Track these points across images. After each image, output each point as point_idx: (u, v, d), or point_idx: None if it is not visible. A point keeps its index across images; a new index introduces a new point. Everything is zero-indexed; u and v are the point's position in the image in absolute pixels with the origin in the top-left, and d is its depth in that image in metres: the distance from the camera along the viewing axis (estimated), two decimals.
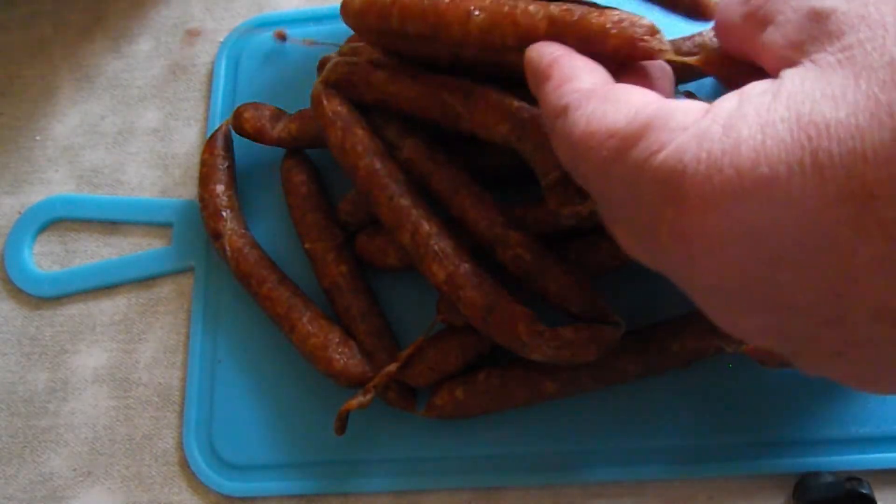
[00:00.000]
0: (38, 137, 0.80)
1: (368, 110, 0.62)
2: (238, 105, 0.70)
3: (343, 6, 0.60)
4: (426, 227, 0.57)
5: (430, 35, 0.54)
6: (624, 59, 0.47)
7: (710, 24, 0.60)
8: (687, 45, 0.61)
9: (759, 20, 0.39)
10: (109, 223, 0.75)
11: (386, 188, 0.58)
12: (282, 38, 0.77)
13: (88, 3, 0.85)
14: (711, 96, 0.61)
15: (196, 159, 0.76)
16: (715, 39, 0.47)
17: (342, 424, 0.59)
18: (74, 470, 0.66)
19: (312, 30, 0.78)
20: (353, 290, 0.64)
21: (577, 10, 0.48)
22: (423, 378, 0.60)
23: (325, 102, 0.61)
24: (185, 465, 0.65)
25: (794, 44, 0.35)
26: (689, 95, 0.62)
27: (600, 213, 0.42)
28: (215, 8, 0.83)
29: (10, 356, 0.71)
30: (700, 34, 0.62)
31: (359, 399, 0.59)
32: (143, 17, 0.83)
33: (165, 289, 0.71)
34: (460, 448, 0.62)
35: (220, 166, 0.70)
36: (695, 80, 0.63)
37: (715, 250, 0.34)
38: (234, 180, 0.71)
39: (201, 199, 0.69)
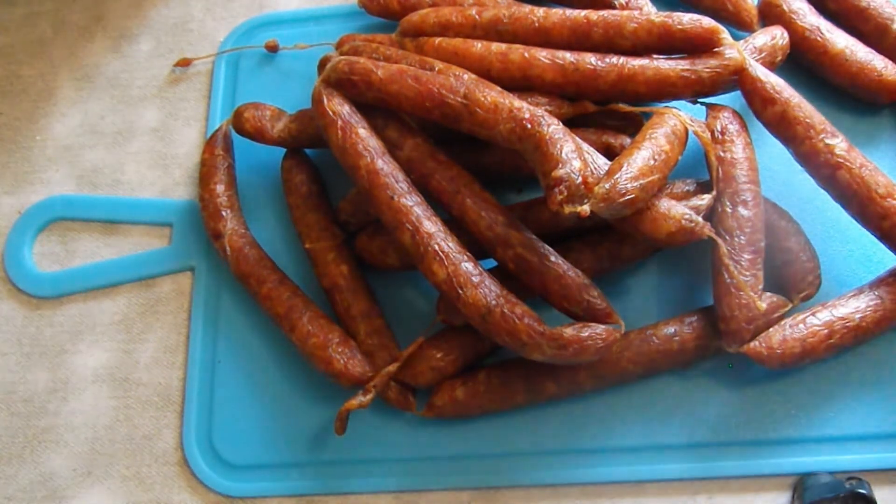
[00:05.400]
0: (38, 137, 0.80)
1: (369, 110, 0.62)
2: (238, 105, 0.70)
3: None
4: (426, 227, 0.57)
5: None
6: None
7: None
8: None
9: None
10: (109, 223, 0.75)
11: (386, 188, 0.58)
12: (273, 49, 0.77)
13: (88, 3, 0.85)
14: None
15: (196, 159, 0.76)
16: None
17: (342, 424, 0.59)
18: (74, 470, 0.66)
19: (312, 30, 0.78)
20: (353, 290, 0.64)
21: None
22: (423, 378, 0.60)
23: (325, 102, 0.61)
24: (185, 465, 0.65)
25: None
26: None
27: None
28: (215, 8, 0.83)
29: (10, 356, 0.71)
30: None
31: (359, 399, 0.59)
32: (143, 17, 0.83)
33: (165, 289, 0.71)
34: (460, 448, 0.62)
35: (220, 166, 0.70)
36: (724, 93, 0.62)
37: None
38: (234, 180, 0.71)
39: (201, 199, 0.69)
